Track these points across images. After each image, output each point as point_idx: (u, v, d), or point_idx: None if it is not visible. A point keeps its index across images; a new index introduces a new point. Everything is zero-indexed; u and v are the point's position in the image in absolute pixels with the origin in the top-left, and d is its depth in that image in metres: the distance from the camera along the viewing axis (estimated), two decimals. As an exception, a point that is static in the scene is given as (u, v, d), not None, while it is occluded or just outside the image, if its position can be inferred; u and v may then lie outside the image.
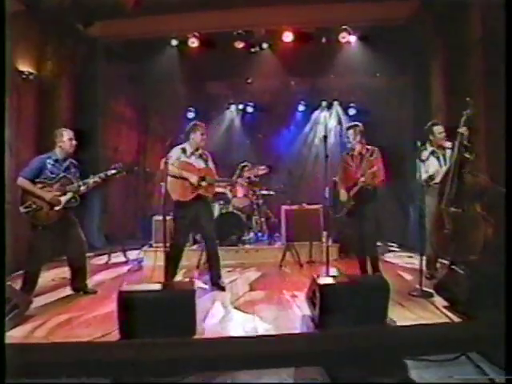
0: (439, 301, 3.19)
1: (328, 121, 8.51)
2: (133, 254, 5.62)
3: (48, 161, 3.44)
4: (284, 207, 5.45)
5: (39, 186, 3.38)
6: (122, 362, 2.40)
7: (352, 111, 8.12)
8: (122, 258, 5.38)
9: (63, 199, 3.43)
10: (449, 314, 2.93)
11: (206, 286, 3.95)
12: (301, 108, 8.28)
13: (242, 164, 6.20)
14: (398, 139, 7.08)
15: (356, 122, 4.11)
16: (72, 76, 6.32)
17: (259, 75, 7.68)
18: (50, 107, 5.91)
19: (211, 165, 4.01)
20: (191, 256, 4.88)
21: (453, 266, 3.10)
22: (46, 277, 4.28)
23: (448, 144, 3.93)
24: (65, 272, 3.95)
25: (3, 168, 4.01)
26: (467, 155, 3.56)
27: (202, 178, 3.78)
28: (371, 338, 2.69)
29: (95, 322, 2.92)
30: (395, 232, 6.52)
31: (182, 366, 2.40)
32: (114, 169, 3.69)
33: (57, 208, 3.40)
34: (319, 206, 5.35)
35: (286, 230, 5.27)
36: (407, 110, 6.78)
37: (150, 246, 5.35)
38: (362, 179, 3.78)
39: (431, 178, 3.94)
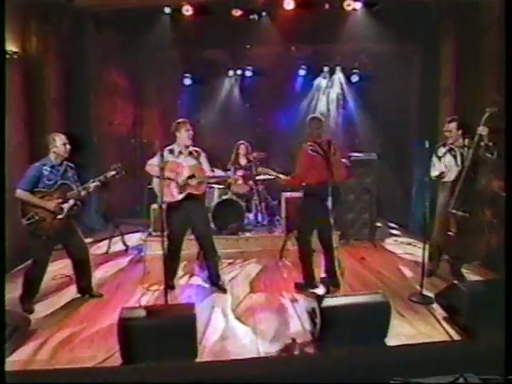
0: (439, 309, 3.23)
1: (330, 89, 8.23)
2: (133, 240, 5.62)
3: (44, 168, 3.31)
4: (284, 195, 5.34)
5: (39, 195, 3.27)
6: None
7: (355, 78, 7.81)
8: (121, 246, 5.35)
9: (65, 207, 3.35)
10: (449, 329, 2.95)
11: (207, 286, 3.97)
12: (302, 73, 7.89)
13: (239, 143, 5.99)
14: (403, 112, 6.83)
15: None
16: (60, 52, 5.95)
17: (258, 42, 7.25)
18: (39, 87, 5.62)
19: (204, 160, 3.88)
20: (191, 245, 4.83)
21: (455, 282, 3.07)
22: (47, 272, 4.28)
23: (467, 142, 3.74)
24: (66, 266, 3.93)
25: (3, 164, 3.88)
26: (488, 155, 3.42)
27: (191, 176, 3.69)
28: (370, 358, 2.75)
29: (97, 339, 2.93)
30: (396, 212, 6.49)
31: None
32: (114, 170, 3.60)
33: (60, 217, 3.32)
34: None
35: (286, 219, 5.20)
36: (414, 81, 6.46)
37: (150, 234, 5.31)
38: None
39: (441, 176, 3.81)
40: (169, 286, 3.65)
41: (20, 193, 3.22)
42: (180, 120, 3.78)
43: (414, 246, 5.21)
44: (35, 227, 3.25)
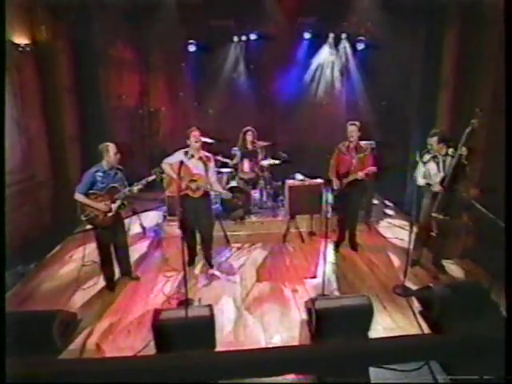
0: (417, 303, 3.84)
1: (335, 59, 8.27)
2: (149, 220, 6.16)
3: (97, 173, 3.94)
4: (288, 182, 5.76)
5: (93, 196, 3.92)
6: (160, 370, 3.12)
7: (361, 45, 7.84)
8: (139, 228, 5.87)
9: (114, 207, 4.01)
10: (422, 323, 3.55)
11: (220, 275, 4.56)
12: (307, 36, 7.88)
13: (246, 129, 6.23)
14: (404, 89, 6.96)
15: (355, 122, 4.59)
16: (68, 36, 6.10)
17: (263, 11, 7.28)
18: (52, 75, 5.84)
19: (211, 166, 4.36)
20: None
21: (430, 284, 3.63)
22: (76, 260, 4.88)
23: (450, 151, 4.04)
24: (94, 251, 4.42)
25: (3, 163, 4.27)
26: (464, 161, 3.80)
27: (192, 180, 4.23)
28: (355, 348, 3.39)
29: (133, 329, 3.57)
30: (393, 192, 6.91)
31: (206, 373, 3.13)
32: (154, 174, 4.20)
33: (109, 214, 3.98)
34: (321, 180, 5.67)
35: (289, 206, 5.68)
36: (416, 56, 6.54)
37: (164, 218, 5.83)
38: (360, 174, 4.53)
39: (427, 183, 4.19)
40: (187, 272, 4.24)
41: (77, 196, 3.90)
42: (191, 129, 4.26)
43: (403, 228, 5.74)
44: (91, 222, 3.98)
